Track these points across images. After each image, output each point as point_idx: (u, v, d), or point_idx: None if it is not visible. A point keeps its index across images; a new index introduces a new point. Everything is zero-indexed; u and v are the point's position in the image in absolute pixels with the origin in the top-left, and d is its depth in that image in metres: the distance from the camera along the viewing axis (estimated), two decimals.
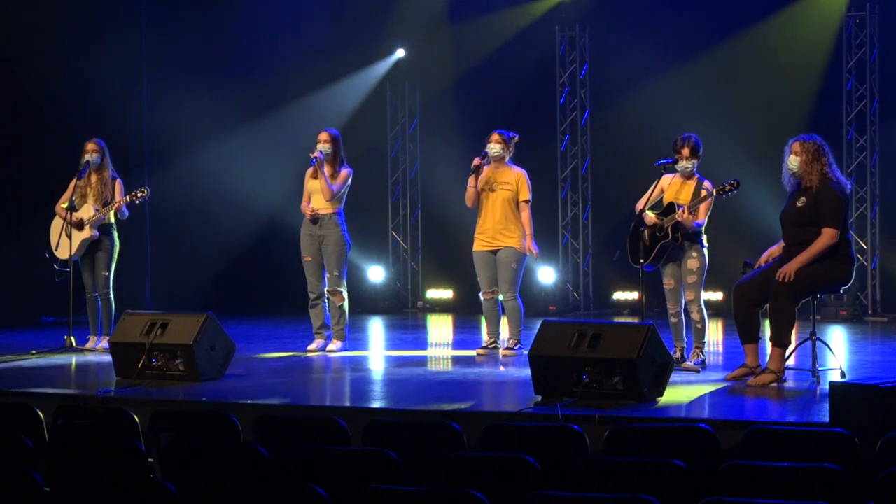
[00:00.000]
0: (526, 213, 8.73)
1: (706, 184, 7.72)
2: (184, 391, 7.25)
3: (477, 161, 8.76)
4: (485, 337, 9.02)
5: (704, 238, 7.79)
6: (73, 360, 8.97)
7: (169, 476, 4.68)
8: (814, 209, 6.98)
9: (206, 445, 5.14)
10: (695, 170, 7.80)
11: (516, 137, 8.88)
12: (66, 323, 9.51)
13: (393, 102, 14.67)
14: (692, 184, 7.76)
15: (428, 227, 14.49)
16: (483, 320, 9.13)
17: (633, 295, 12.86)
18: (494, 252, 8.77)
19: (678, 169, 7.81)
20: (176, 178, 13.56)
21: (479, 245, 8.83)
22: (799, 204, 7.06)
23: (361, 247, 13.05)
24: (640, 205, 7.90)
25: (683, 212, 7.54)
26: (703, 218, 7.69)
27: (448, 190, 12.30)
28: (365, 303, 13.79)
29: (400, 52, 14.36)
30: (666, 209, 7.74)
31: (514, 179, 8.74)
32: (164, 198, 13.58)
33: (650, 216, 7.75)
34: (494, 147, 8.73)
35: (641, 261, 7.75)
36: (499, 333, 8.96)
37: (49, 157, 12.33)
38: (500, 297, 8.85)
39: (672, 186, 7.84)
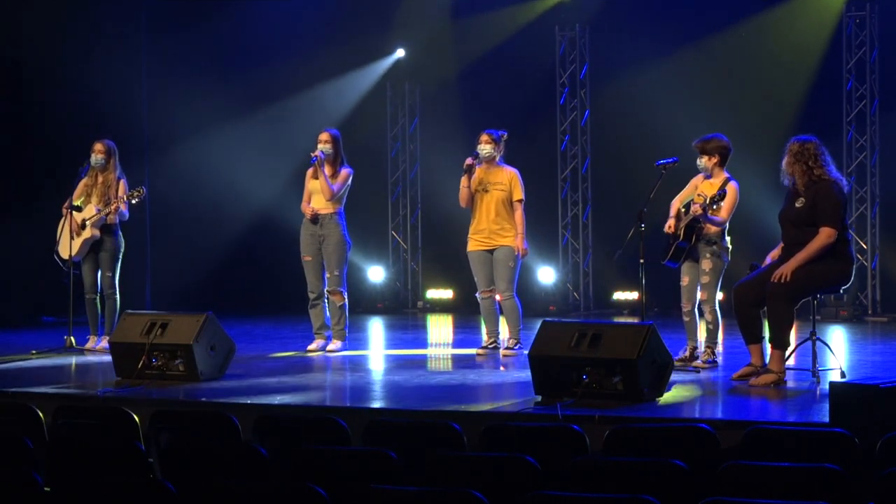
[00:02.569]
0: (519, 213, 8.73)
1: (731, 184, 7.70)
2: (184, 391, 7.25)
3: (469, 161, 8.77)
4: (484, 337, 9.02)
5: (728, 240, 7.79)
6: (73, 360, 8.96)
7: (169, 476, 4.68)
8: (812, 209, 6.98)
9: (206, 445, 5.14)
10: (714, 169, 7.76)
11: (505, 136, 8.88)
12: (66, 323, 9.50)
13: (393, 102, 14.68)
14: (717, 183, 7.73)
15: (428, 227, 14.50)
16: (482, 320, 9.12)
17: (633, 295, 12.86)
18: (490, 251, 8.77)
19: (703, 169, 7.83)
20: (176, 178, 13.58)
21: (474, 245, 8.83)
22: (797, 205, 7.06)
23: (361, 247, 13.05)
24: (673, 203, 7.92)
25: (697, 209, 7.54)
26: (723, 216, 7.65)
27: (448, 190, 12.30)
28: (365, 303, 13.79)
29: (400, 52, 14.37)
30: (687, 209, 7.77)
31: (507, 179, 8.74)
32: (165, 198, 13.63)
33: (672, 217, 7.78)
34: (485, 147, 8.73)
35: (661, 259, 7.84)
36: (498, 333, 8.96)
37: (50, 158, 12.35)
38: (497, 297, 8.85)
39: (700, 186, 7.86)
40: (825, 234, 6.92)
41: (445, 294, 14.11)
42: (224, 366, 7.77)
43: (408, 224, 14.69)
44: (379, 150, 14.60)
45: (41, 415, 5.66)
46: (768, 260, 7.32)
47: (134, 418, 5.52)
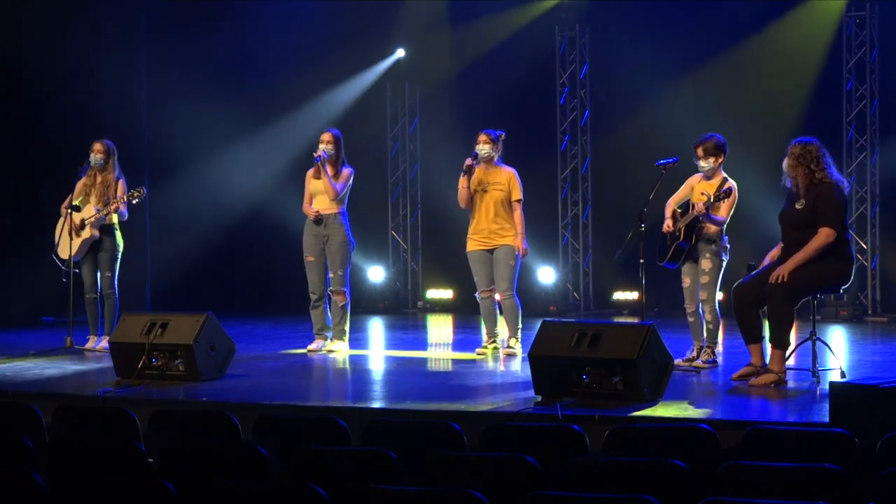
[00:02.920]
0: (518, 213, 8.72)
1: (729, 183, 7.71)
2: (184, 391, 7.24)
3: (469, 162, 8.76)
4: (484, 337, 9.01)
5: (726, 239, 7.81)
6: (73, 360, 8.95)
7: (169, 476, 4.68)
8: (812, 211, 6.97)
9: (206, 445, 5.14)
10: (717, 169, 7.79)
11: (503, 135, 8.87)
12: (66, 323, 9.49)
13: (393, 102, 14.68)
14: (715, 183, 7.75)
15: (428, 227, 14.50)
16: (482, 320, 9.12)
17: (633, 295, 12.87)
18: (490, 251, 8.77)
19: (699, 169, 7.83)
20: (176, 178, 13.59)
21: (474, 245, 8.83)
22: (798, 206, 7.05)
23: (361, 247, 13.04)
24: (669, 204, 7.93)
25: (701, 208, 7.57)
26: (724, 216, 7.69)
27: (448, 190, 12.32)
28: (365, 303, 13.79)
29: (400, 52, 14.37)
30: (686, 209, 7.78)
31: (506, 179, 8.73)
32: (165, 198, 13.64)
33: (668, 217, 7.78)
34: (483, 147, 8.72)
35: (659, 260, 7.86)
36: (497, 333, 8.95)
37: (51, 160, 12.36)
38: (497, 296, 8.85)
39: (698, 186, 7.86)
40: (824, 234, 6.92)
41: (445, 294, 14.12)
42: (224, 366, 7.77)
43: (408, 224, 14.69)
44: (379, 150, 14.61)
45: (41, 415, 5.66)
46: (766, 260, 7.31)
47: (134, 418, 5.52)
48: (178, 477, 4.51)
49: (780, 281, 6.87)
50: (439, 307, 14.05)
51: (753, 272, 7.30)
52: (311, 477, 4.39)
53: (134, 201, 9.21)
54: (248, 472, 4.67)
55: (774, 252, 7.28)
